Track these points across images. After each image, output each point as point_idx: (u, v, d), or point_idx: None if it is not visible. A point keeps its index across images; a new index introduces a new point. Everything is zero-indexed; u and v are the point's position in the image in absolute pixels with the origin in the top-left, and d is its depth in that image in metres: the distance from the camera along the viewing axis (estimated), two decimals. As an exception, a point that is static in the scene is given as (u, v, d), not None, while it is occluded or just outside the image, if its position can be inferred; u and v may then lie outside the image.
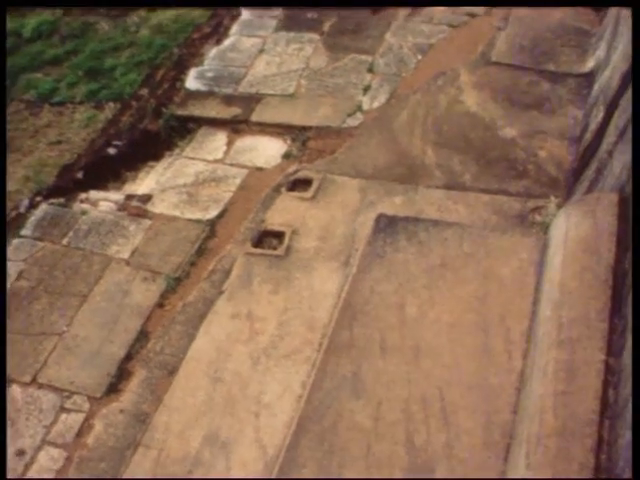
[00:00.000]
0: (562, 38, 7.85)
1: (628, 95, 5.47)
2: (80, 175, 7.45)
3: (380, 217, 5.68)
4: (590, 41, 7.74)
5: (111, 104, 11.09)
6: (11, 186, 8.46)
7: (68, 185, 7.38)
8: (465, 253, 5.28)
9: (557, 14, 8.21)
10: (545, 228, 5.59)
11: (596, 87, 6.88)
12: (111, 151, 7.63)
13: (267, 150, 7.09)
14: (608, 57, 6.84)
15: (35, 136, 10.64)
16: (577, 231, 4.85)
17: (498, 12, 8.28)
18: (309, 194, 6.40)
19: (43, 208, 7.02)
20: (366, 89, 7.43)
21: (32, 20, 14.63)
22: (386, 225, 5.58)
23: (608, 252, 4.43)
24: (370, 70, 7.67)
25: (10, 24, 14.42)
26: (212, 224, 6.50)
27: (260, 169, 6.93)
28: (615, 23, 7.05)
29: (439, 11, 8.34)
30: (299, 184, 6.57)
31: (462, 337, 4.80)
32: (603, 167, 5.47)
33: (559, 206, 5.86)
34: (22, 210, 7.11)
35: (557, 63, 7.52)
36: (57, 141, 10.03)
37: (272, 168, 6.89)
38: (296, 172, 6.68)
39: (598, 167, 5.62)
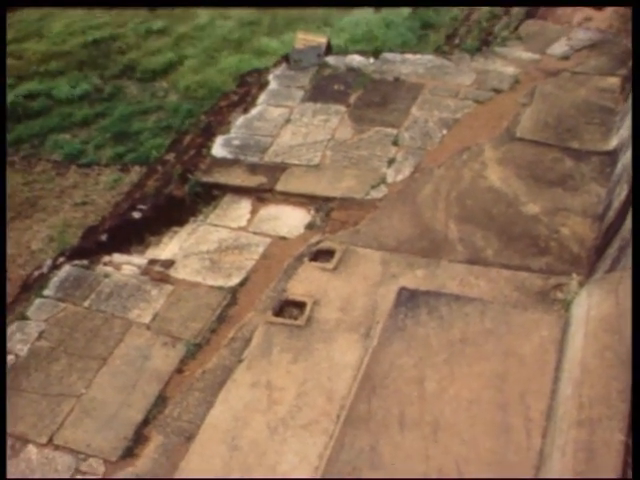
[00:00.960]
0: (586, 115, 7.96)
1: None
2: (104, 237, 7.55)
3: (402, 290, 5.74)
4: (614, 119, 7.85)
5: (137, 167, 11.30)
6: (35, 245, 8.62)
7: (92, 247, 7.47)
8: (486, 329, 5.32)
9: (582, 92, 8.37)
10: (567, 306, 5.61)
11: (619, 165, 6.96)
12: (136, 215, 7.73)
13: (290, 219, 7.19)
14: (632, 136, 6.92)
15: (61, 196, 10.83)
16: (599, 310, 4.89)
17: (523, 88, 8.45)
18: (331, 265, 6.47)
19: (66, 269, 7.10)
20: (391, 162, 7.55)
21: (62, 82, 14.98)
22: (407, 299, 5.64)
23: (630, 332, 4.45)
24: (395, 143, 7.80)
25: (41, 86, 14.76)
26: (234, 291, 6.57)
27: (283, 238, 7.03)
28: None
29: (465, 86, 8.52)
30: (322, 254, 6.64)
31: (481, 414, 4.81)
32: (626, 246, 5.51)
33: (581, 284, 5.89)
34: (45, 270, 7.21)
35: (581, 140, 7.62)
36: (82, 202, 10.21)
37: (295, 238, 6.99)
38: (319, 242, 6.76)
39: (621, 245, 5.66)
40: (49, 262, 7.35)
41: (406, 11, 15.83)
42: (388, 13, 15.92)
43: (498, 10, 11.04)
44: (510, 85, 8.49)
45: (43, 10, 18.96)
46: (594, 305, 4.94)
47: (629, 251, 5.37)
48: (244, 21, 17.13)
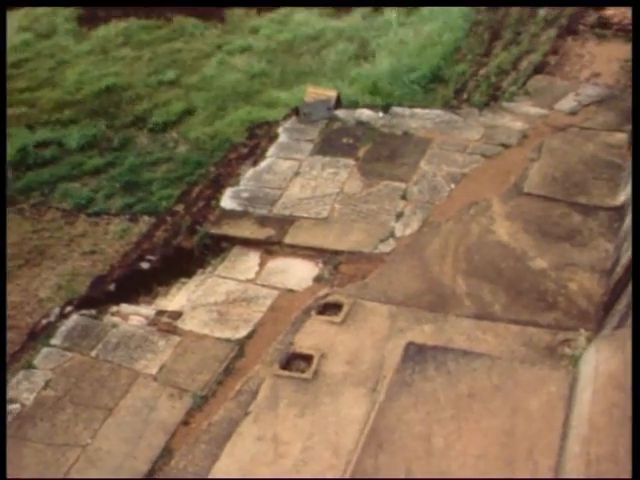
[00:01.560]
0: (594, 171, 8.04)
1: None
2: (112, 287, 7.61)
3: (409, 345, 5.77)
4: (621, 175, 7.93)
5: (146, 218, 11.38)
6: (43, 293, 8.67)
7: (100, 296, 7.53)
8: (493, 385, 5.33)
9: (590, 147, 8.46)
10: (575, 361, 5.63)
11: (627, 221, 7.01)
12: (144, 265, 7.79)
13: (299, 272, 7.24)
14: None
15: (69, 245, 10.91)
16: (607, 366, 4.90)
17: (531, 143, 8.54)
18: (339, 318, 6.51)
19: (74, 318, 7.16)
20: (399, 216, 7.62)
21: (74, 131, 15.16)
22: (415, 353, 5.66)
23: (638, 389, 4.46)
24: (404, 197, 7.88)
25: (52, 134, 14.95)
26: (241, 344, 6.60)
27: (291, 291, 7.07)
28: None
29: (473, 141, 8.61)
30: (329, 308, 6.69)
31: (489, 470, 4.81)
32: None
33: (589, 339, 5.92)
34: (53, 319, 7.27)
35: (589, 196, 7.69)
36: (91, 251, 10.28)
37: (303, 290, 7.03)
38: (327, 296, 6.81)
39: (629, 302, 5.68)
40: (57, 311, 7.41)
41: (416, 64, 16.08)
42: (398, 67, 16.14)
43: (506, 65, 11.18)
44: (518, 140, 8.58)
45: (57, 58, 19.25)
46: (602, 361, 4.95)
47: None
48: (254, 73, 17.37)
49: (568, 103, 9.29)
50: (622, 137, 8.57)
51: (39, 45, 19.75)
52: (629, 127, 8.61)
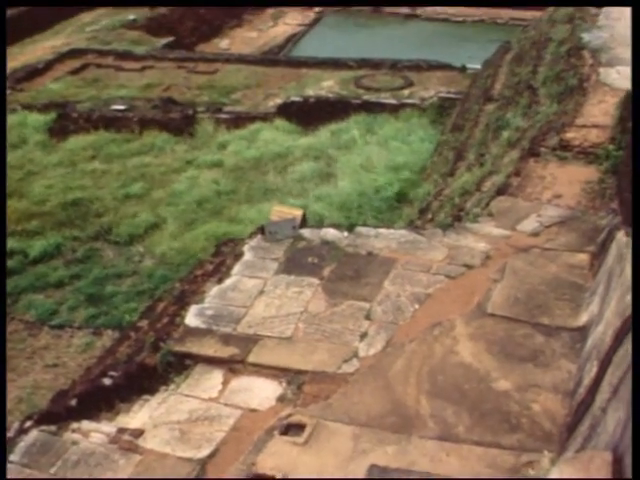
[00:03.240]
0: (556, 291, 8.20)
1: (621, 352, 5.72)
2: (74, 402, 7.58)
3: (372, 468, 5.78)
4: (583, 295, 8.09)
5: (110, 332, 11.38)
6: (2, 405, 8.56)
7: (61, 412, 7.49)
8: (456, 509, 5.33)
9: (552, 268, 8.63)
10: (538, 484, 5.65)
11: (589, 342, 7.13)
12: (106, 381, 7.77)
13: (262, 392, 7.26)
14: (601, 312, 7.14)
15: (32, 357, 10.86)
16: (569, 489, 4.93)
17: (494, 264, 8.70)
18: (302, 439, 6.51)
19: (34, 434, 7.10)
20: (363, 336, 7.70)
21: (39, 242, 15.24)
22: (378, 476, 5.65)
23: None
24: (368, 317, 7.98)
25: (17, 244, 15.04)
26: (203, 464, 6.57)
27: (254, 410, 7.08)
28: (608, 279, 7.43)
29: (437, 261, 8.78)
30: (292, 428, 6.69)
31: None
32: (597, 424, 5.63)
33: (553, 461, 5.96)
34: (12, 434, 7.17)
35: (551, 316, 7.83)
36: (53, 364, 10.25)
37: (266, 410, 7.04)
38: (290, 416, 6.82)
39: (592, 424, 5.77)
40: (16, 425, 7.34)
41: (381, 182, 16.44)
42: (363, 186, 16.48)
43: (470, 186, 11.48)
44: (481, 261, 8.75)
45: (25, 169, 19.49)
46: (564, 484, 4.99)
47: (600, 429, 5.47)
48: (221, 189, 17.66)
49: (530, 224, 9.51)
50: (583, 258, 8.76)
51: (9, 156, 20.00)
52: (591, 248, 8.85)
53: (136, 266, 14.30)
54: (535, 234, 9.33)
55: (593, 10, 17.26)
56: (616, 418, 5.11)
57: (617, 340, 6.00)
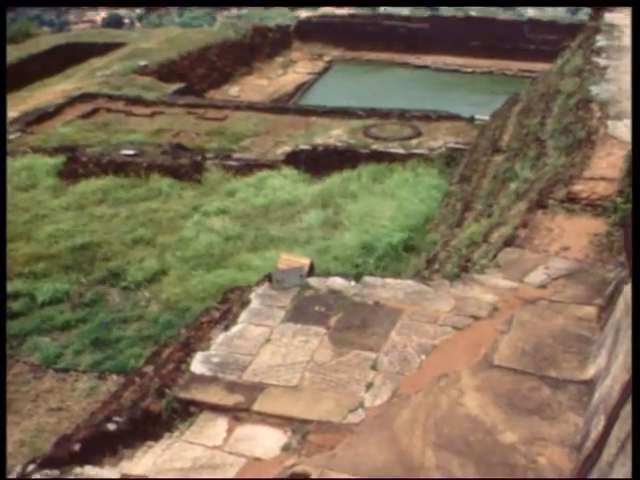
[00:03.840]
0: (564, 344, 8.19)
1: (628, 406, 5.69)
2: (77, 447, 7.55)
3: (376, 520, 5.74)
4: (591, 348, 8.07)
5: (114, 376, 11.37)
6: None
7: (64, 456, 7.47)
8: None
9: (559, 320, 8.63)
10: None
11: (596, 395, 7.11)
12: (110, 426, 7.77)
13: (267, 440, 7.24)
14: (609, 365, 7.13)
15: (36, 400, 10.86)
16: None
17: (501, 316, 8.71)
18: (307, 490, 6.47)
19: (36, 478, 7.04)
20: (369, 386, 7.70)
21: (46, 285, 15.31)
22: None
23: None
24: (374, 367, 7.98)
25: (25, 287, 15.13)
26: (206, 512, 6.53)
27: (258, 459, 7.06)
28: (616, 332, 7.42)
29: (444, 312, 8.79)
30: (297, 477, 6.63)
31: None
32: (604, 479, 5.58)
33: (559, 517, 5.91)
34: (13, 477, 7.15)
35: (558, 369, 7.80)
36: (57, 408, 10.24)
37: (270, 459, 7.02)
38: (294, 466, 6.79)
39: (599, 479, 5.72)
40: (18, 469, 7.33)
41: (389, 232, 16.52)
42: (371, 235, 16.56)
43: (477, 237, 11.51)
44: (488, 312, 8.76)
45: (34, 212, 19.64)
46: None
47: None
48: (229, 236, 17.75)
49: (538, 276, 9.52)
50: (591, 310, 8.77)
51: (17, 198, 20.19)
52: (598, 300, 8.85)
53: (142, 311, 14.36)
54: (542, 286, 9.33)
55: (602, 63, 17.43)
56: (623, 473, 5.09)
57: (624, 394, 5.99)
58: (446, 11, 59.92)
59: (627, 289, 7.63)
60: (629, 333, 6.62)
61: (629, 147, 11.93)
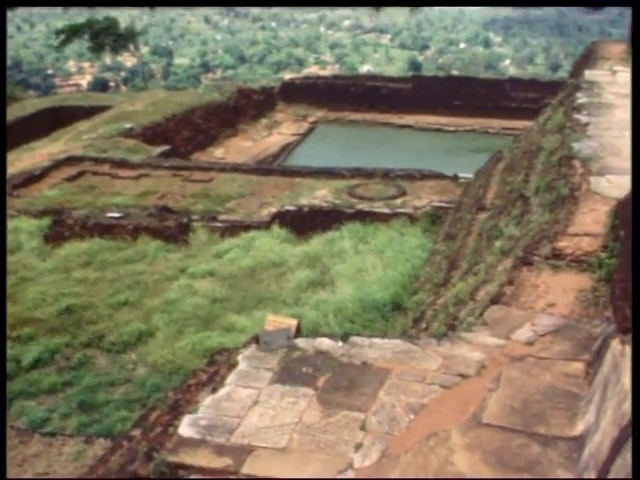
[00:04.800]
0: (552, 400, 8.19)
1: (619, 461, 5.71)
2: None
3: None
4: (579, 404, 8.08)
5: (101, 440, 11.25)
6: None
7: None
8: None
9: (547, 377, 8.64)
10: None
11: (586, 451, 7.11)
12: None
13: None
14: (598, 421, 7.14)
15: (22, 465, 10.74)
16: None
17: (489, 373, 8.71)
18: None
19: None
20: (358, 447, 7.66)
21: (32, 348, 15.24)
22: None
23: None
24: (363, 428, 7.94)
25: (10, 350, 15.04)
26: None
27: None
28: (604, 387, 7.44)
29: (432, 371, 8.79)
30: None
31: None
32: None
33: None
34: None
35: (548, 426, 7.80)
36: (44, 473, 10.13)
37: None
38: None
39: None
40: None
41: (375, 291, 16.56)
42: (357, 295, 16.58)
43: (464, 295, 11.55)
44: (476, 370, 8.76)
45: (20, 275, 19.64)
46: None
47: None
48: (215, 298, 17.75)
49: (525, 333, 9.54)
50: (578, 366, 8.78)
51: (2, 261, 20.12)
52: (585, 356, 8.88)
53: (129, 374, 14.29)
54: (530, 343, 9.35)
55: (583, 120, 17.69)
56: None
57: (615, 449, 6.01)
58: (428, 71, 60.93)
59: (614, 344, 7.68)
60: (617, 388, 6.66)
61: (612, 202, 12.06)
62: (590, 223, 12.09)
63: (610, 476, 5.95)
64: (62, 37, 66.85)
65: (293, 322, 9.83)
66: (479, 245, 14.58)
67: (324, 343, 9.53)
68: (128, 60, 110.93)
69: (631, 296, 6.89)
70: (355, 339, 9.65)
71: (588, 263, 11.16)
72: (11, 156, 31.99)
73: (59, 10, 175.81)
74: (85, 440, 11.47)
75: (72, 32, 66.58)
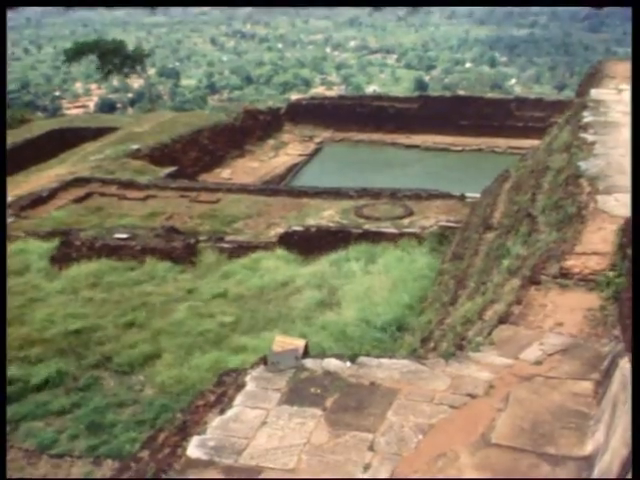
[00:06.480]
0: (561, 420, 8.17)
1: None
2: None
3: None
4: (588, 424, 8.06)
5: (109, 462, 11.23)
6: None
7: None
8: None
9: (556, 396, 8.61)
10: None
11: (596, 471, 7.10)
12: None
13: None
14: (607, 440, 7.12)
15: (29, 491, 10.64)
16: None
17: (498, 393, 8.69)
18: None
19: None
20: (366, 467, 7.65)
21: (40, 369, 15.25)
22: None
23: None
24: (371, 448, 7.93)
25: (19, 371, 15.07)
26: None
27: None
28: (613, 406, 7.42)
29: (440, 391, 8.77)
30: None
31: None
32: None
33: None
34: None
35: (557, 445, 7.77)
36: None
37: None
38: None
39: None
40: None
41: (383, 311, 16.55)
42: (365, 315, 16.57)
43: (471, 314, 11.53)
44: (485, 390, 8.74)
45: (27, 296, 19.67)
46: None
47: None
48: (223, 319, 17.76)
49: (533, 352, 9.52)
50: (587, 386, 8.76)
51: (11, 282, 20.20)
52: (594, 375, 8.85)
53: (137, 395, 14.29)
54: (538, 362, 9.33)
55: (590, 138, 17.70)
56: None
57: (624, 469, 5.99)
58: (434, 91, 61.10)
59: (623, 363, 7.67)
60: (626, 407, 6.64)
61: (620, 221, 12.06)
62: (598, 242, 12.08)
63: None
64: (71, 52, 67.44)
65: (301, 343, 9.82)
66: (486, 264, 14.58)
67: (332, 363, 9.52)
68: (135, 82, 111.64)
69: (632, 315, 6.89)
70: (363, 359, 9.64)
71: (596, 282, 11.14)
72: (19, 178, 32.12)
73: (67, 32, 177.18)
74: (93, 461, 11.46)
75: (81, 49, 67.18)
